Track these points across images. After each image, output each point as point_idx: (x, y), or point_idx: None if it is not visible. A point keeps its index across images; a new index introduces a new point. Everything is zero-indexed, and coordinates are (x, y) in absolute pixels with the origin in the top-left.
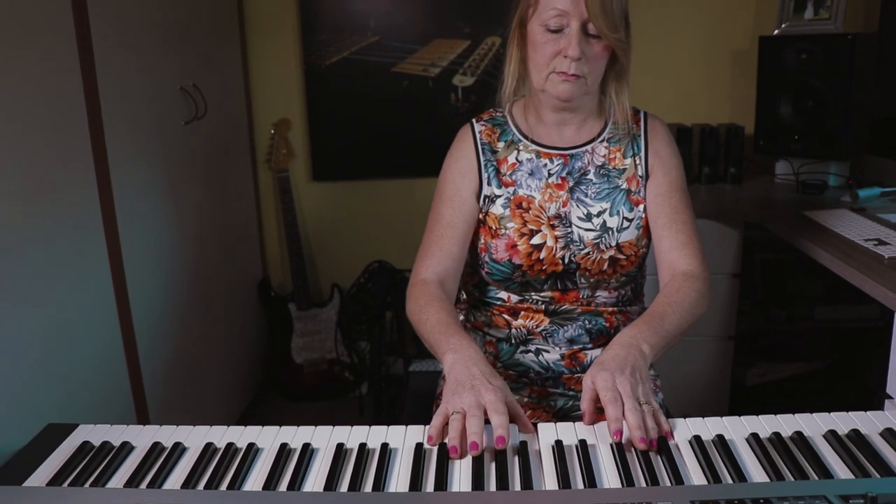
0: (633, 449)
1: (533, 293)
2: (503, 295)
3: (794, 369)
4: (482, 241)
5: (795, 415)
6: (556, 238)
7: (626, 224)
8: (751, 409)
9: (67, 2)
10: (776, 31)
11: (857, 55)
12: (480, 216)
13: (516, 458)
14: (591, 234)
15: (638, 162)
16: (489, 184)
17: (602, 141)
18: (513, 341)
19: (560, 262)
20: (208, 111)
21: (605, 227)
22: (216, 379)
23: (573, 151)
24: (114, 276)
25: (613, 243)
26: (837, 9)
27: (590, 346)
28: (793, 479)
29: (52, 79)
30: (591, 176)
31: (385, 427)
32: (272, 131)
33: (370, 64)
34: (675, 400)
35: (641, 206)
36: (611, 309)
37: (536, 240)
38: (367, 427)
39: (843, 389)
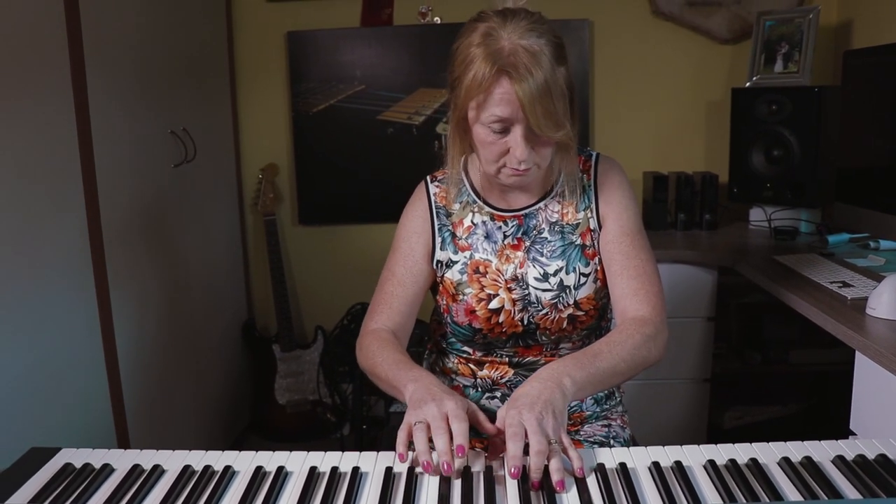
0: (594, 472)
1: (496, 349)
2: (468, 349)
3: (771, 412)
4: (443, 301)
5: (752, 444)
6: (514, 301)
7: (583, 280)
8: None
9: (64, 47)
10: (748, 84)
11: (823, 107)
12: (437, 279)
13: (482, 480)
14: (549, 295)
15: (590, 215)
16: (443, 249)
17: (554, 197)
18: (479, 389)
19: (519, 323)
20: (197, 155)
21: (562, 286)
22: (199, 418)
23: (527, 211)
24: (101, 314)
25: (571, 301)
26: (805, 62)
27: None
28: (745, 502)
29: (48, 122)
30: (545, 234)
31: (357, 453)
32: (260, 176)
33: (356, 112)
34: (651, 441)
35: (597, 258)
36: None
37: (494, 304)
38: (340, 452)
39: (820, 433)
